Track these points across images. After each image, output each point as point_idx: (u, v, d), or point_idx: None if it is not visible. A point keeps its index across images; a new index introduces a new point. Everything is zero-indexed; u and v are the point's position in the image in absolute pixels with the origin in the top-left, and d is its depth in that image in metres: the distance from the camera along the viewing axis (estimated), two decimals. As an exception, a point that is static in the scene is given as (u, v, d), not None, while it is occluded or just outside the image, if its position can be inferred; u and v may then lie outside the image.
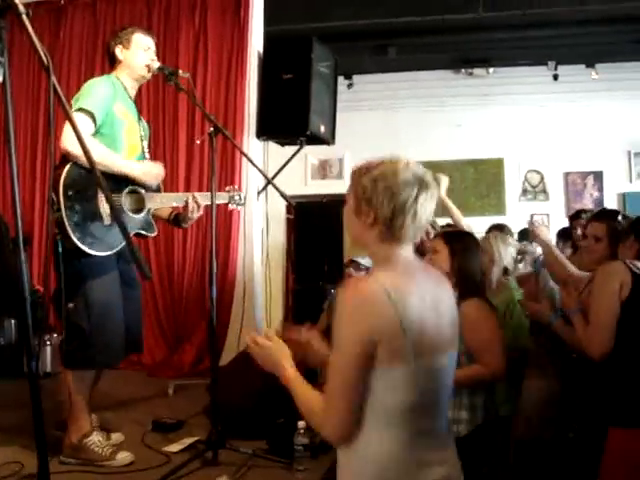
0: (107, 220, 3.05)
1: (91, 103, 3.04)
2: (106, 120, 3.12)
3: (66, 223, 2.92)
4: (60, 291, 3.04)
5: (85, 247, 2.97)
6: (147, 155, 3.42)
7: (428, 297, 1.64)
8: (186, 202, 3.34)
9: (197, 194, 3.38)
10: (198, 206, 3.34)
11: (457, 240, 2.93)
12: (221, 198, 3.53)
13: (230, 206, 3.61)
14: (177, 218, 3.45)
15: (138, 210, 3.24)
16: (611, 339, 2.40)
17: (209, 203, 3.35)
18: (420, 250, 4.27)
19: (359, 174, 1.68)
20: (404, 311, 1.54)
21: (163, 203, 3.38)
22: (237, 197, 3.59)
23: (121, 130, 3.21)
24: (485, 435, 2.67)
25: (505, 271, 3.68)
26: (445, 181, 4.37)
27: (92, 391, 3.26)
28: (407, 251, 1.68)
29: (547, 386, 3.54)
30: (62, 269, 2.99)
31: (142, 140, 3.40)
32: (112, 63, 3.36)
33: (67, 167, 2.98)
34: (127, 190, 3.19)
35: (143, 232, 3.32)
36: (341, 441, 1.63)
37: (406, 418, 1.59)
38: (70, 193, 2.97)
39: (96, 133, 3.09)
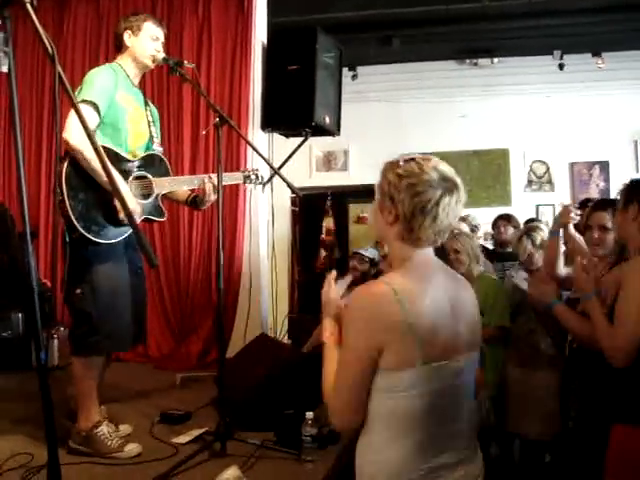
0: (112, 208, 3.03)
1: (94, 94, 3.02)
2: (109, 109, 3.10)
3: (70, 213, 2.92)
4: (68, 278, 3.05)
5: (91, 236, 2.98)
6: (156, 140, 3.40)
7: (445, 299, 1.63)
8: (202, 184, 3.34)
9: (213, 175, 3.36)
10: (214, 187, 3.32)
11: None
12: (235, 179, 3.57)
13: (248, 186, 3.62)
14: (195, 200, 3.45)
15: (146, 195, 3.23)
16: None
17: (225, 183, 3.37)
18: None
19: (387, 168, 1.68)
20: (412, 312, 1.54)
21: (172, 187, 3.37)
22: (253, 176, 3.58)
23: (124, 118, 3.19)
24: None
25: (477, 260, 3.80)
26: None
27: (101, 380, 3.26)
28: (426, 252, 1.68)
29: (548, 381, 3.53)
30: (69, 256, 2.99)
31: (150, 126, 3.38)
32: (118, 47, 3.33)
33: (71, 157, 2.97)
34: (134, 175, 3.19)
35: (151, 217, 3.31)
36: (344, 428, 1.70)
37: (417, 422, 1.59)
38: (74, 183, 2.97)
39: (100, 123, 3.07)
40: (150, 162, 3.32)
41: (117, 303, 3.13)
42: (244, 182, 3.61)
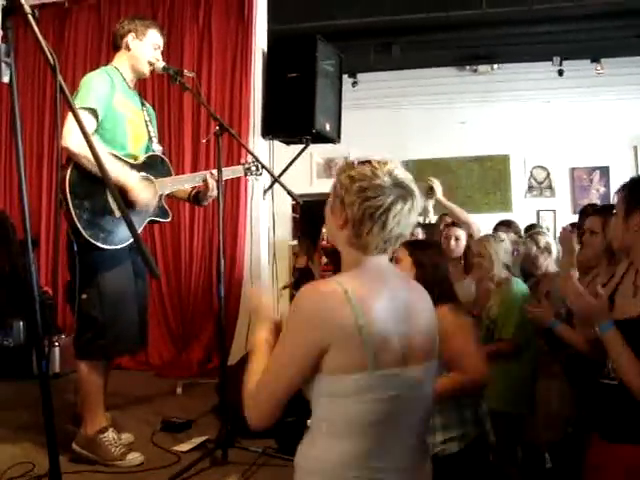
0: (117, 213, 3.03)
1: (91, 99, 3.01)
2: (107, 114, 3.09)
3: (76, 221, 2.94)
4: (73, 284, 3.06)
5: (98, 243, 3.00)
6: (155, 140, 3.40)
7: (399, 305, 1.55)
8: (204, 180, 3.35)
9: (214, 170, 3.37)
10: (217, 182, 3.34)
11: (421, 251, 2.73)
12: (237, 172, 3.58)
13: (249, 178, 3.62)
14: (197, 197, 3.46)
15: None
16: None
17: (227, 177, 3.43)
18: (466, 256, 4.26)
19: (341, 170, 1.60)
20: (364, 317, 1.45)
21: (175, 187, 3.38)
22: (253, 167, 3.57)
23: (123, 122, 3.19)
24: (478, 451, 2.49)
25: (507, 268, 3.65)
26: (438, 185, 4.32)
27: (106, 383, 3.27)
28: (377, 259, 1.58)
29: (557, 386, 3.50)
30: (77, 262, 3.00)
31: (148, 125, 3.38)
32: (116, 47, 3.31)
33: (72, 165, 2.97)
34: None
35: (157, 219, 3.34)
36: (257, 427, 1.56)
37: (362, 429, 1.49)
38: (77, 191, 2.97)
39: (98, 127, 3.07)
40: (152, 163, 3.33)
41: (123, 307, 3.14)
42: (245, 174, 3.59)
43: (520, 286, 3.56)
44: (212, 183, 3.35)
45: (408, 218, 1.54)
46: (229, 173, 3.52)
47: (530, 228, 5.30)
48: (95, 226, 3.00)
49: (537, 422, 3.59)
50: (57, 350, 4.87)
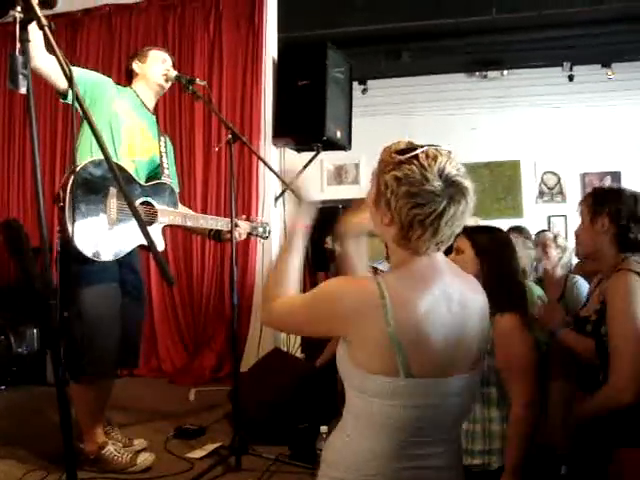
0: (112, 226, 2.93)
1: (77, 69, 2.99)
2: (101, 111, 3.01)
3: (68, 221, 2.77)
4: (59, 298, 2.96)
5: (85, 250, 2.82)
6: (166, 172, 3.31)
7: (450, 309, 1.44)
8: (213, 227, 3.36)
9: (242, 222, 3.36)
10: (241, 234, 3.34)
11: (486, 237, 2.38)
12: (222, 224, 3.44)
13: (252, 237, 3.56)
14: (218, 235, 3.42)
15: (149, 223, 3.11)
16: None
17: (212, 227, 3.38)
18: None
19: (385, 165, 1.46)
20: (399, 324, 1.36)
21: (176, 221, 3.26)
22: (260, 229, 3.53)
23: (119, 127, 3.11)
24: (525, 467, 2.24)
25: (522, 273, 3.65)
26: None
27: (106, 399, 3.24)
28: (429, 258, 1.47)
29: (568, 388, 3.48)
30: (59, 274, 2.83)
31: (163, 156, 3.32)
32: (129, 79, 3.36)
33: (81, 165, 2.88)
34: (140, 201, 3.10)
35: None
36: (265, 325, 1.61)
37: (390, 433, 1.43)
38: (79, 192, 2.84)
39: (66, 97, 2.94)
40: (159, 191, 3.23)
41: (103, 329, 2.99)
42: (250, 232, 3.47)
43: (536, 290, 3.57)
44: (239, 232, 3.30)
45: (462, 218, 1.43)
46: (215, 223, 3.40)
47: (540, 233, 5.28)
48: (86, 233, 2.84)
49: (550, 424, 3.57)
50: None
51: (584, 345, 2.45)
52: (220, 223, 3.38)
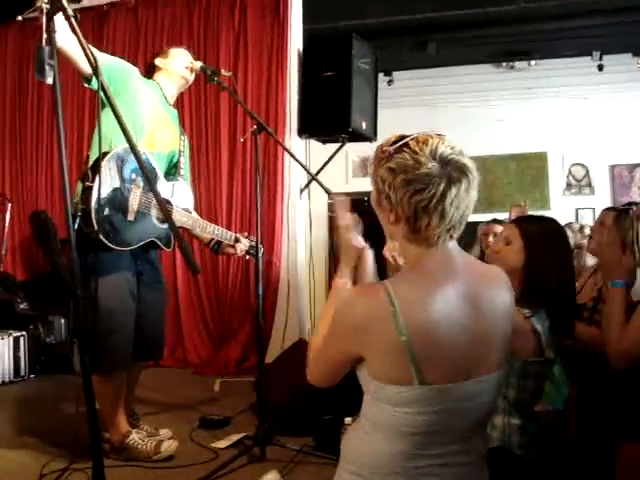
0: (131, 216, 2.94)
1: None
2: (124, 101, 2.96)
3: (92, 201, 2.75)
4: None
5: (101, 235, 2.81)
6: (182, 172, 3.32)
7: (462, 311, 1.38)
8: (236, 240, 3.34)
9: (244, 239, 3.35)
10: (242, 250, 3.35)
11: (537, 226, 2.17)
12: (226, 237, 3.40)
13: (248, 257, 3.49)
14: (215, 247, 3.39)
15: (163, 221, 3.11)
16: None
17: (217, 237, 3.34)
18: None
19: (377, 161, 1.42)
20: (412, 332, 1.32)
21: (187, 224, 3.22)
22: (252, 250, 3.41)
23: (142, 117, 3.09)
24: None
25: None
26: None
27: (129, 390, 3.27)
28: (442, 250, 1.41)
29: None
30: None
31: (180, 154, 3.33)
32: (151, 73, 3.35)
33: (117, 150, 2.87)
34: (161, 198, 3.08)
35: (158, 242, 3.15)
36: (312, 384, 1.59)
37: (407, 437, 1.41)
38: (106, 176, 2.83)
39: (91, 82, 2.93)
40: (180, 192, 3.26)
41: (117, 321, 3.00)
42: (247, 252, 3.42)
43: None
44: (240, 248, 3.32)
45: (467, 198, 1.37)
46: (221, 235, 3.35)
47: (566, 226, 5.25)
48: (105, 217, 2.84)
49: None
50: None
51: (587, 332, 2.56)
52: (226, 235, 3.35)
